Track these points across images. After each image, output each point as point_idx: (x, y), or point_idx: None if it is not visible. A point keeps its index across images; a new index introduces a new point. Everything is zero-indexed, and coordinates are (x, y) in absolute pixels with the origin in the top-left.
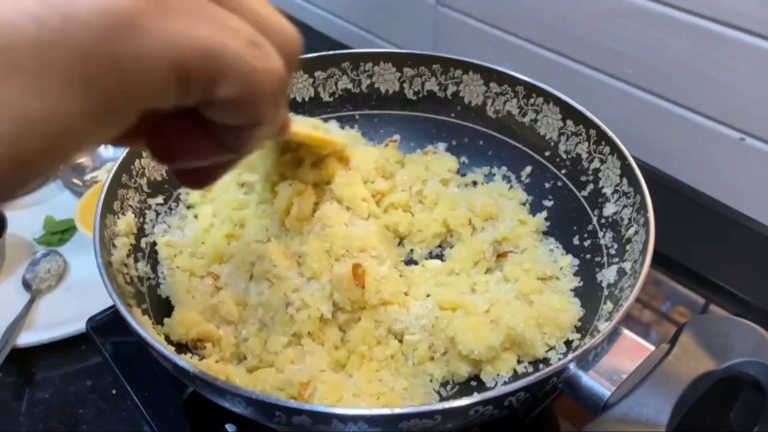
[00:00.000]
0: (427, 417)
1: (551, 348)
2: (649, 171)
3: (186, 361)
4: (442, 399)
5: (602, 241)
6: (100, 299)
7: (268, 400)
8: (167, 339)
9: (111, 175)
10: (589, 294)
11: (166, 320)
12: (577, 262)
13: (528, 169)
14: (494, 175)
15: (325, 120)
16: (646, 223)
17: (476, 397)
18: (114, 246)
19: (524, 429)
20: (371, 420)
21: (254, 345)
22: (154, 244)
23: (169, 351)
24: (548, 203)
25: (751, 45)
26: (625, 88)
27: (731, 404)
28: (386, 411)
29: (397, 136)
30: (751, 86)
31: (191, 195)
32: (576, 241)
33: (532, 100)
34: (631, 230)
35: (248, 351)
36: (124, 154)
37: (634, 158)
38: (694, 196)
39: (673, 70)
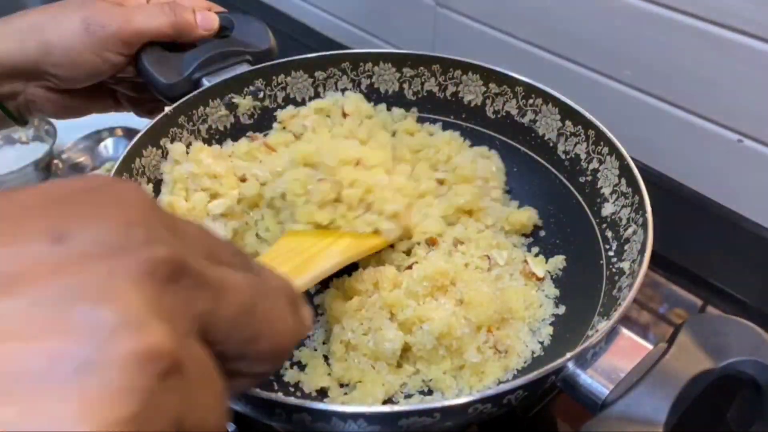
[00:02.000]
0: (426, 414)
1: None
2: (646, 172)
3: None
4: None
5: (601, 241)
6: None
7: (268, 397)
8: None
9: (112, 174)
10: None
11: None
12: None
13: (527, 169)
14: None
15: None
16: (645, 223)
17: (475, 395)
18: None
19: (522, 428)
20: (371, 418)
21: None
22: None
23: None
24: (547, 203)
25: (750, 47)
26: (623, 90)
27: (729, 404)
28: (386, 408)
29: None
30: (749, 88)
31: None
32: (574, 241)
33: (531, 101)
34: (630, 230)
35: None
36: (125, 152)
37: (632, 159)
38: (691, 198)
39: (672, 72)
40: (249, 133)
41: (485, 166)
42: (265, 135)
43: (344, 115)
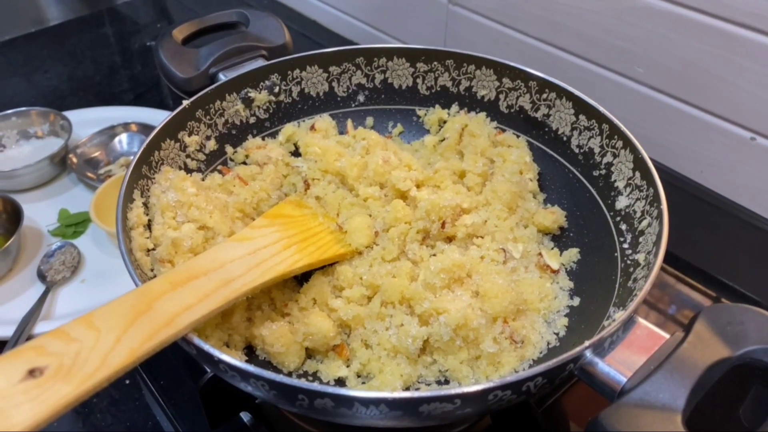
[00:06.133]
0: (446, 401)
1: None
2: (659, 169)
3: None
4: None
5: (615, 234)
6: (115, 290)
7: (291, 383)
8: None
9: (131, 167)
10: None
11: None
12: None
13: (540, 163)
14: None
15: (340, 115)
16: (660, 215)
17: (495, 382)
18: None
19: (536, 419)
20: (392, 403)
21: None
22: None
23: (193, 335)
24: (561, 197)
25: (763, 44)
26: (636, 87)
27: (742, 400)
28: (407, 394)
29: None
30: (762, 86)
31: None
32: (588, 234)
33: (544, 95)
34: (644, 222)
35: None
36: (145, 145)
37: None
38: (703, 195)
39: (684, 69)
40: (219, 167)
41: (520, 156)
42: (221, 162)
43: (312, 128)
